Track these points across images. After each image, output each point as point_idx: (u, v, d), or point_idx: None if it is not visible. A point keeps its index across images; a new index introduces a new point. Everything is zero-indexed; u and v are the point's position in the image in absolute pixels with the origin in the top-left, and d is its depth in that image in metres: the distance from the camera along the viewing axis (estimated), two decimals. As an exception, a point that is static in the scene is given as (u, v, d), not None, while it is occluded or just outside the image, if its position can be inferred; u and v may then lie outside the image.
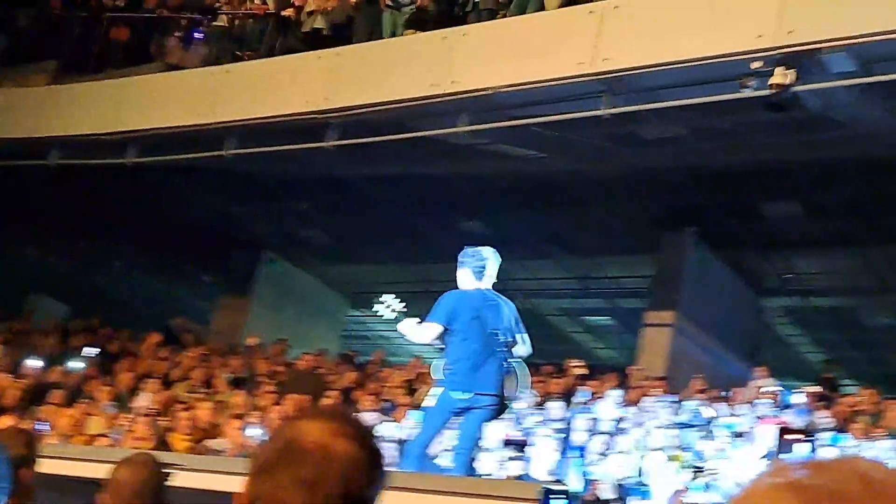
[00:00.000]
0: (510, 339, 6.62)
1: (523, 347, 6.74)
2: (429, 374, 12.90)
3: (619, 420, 10.79)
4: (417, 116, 11.64)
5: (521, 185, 14.20)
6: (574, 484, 9.02)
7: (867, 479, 0.71)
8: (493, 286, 6.77)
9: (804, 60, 9.21)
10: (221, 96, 12.98)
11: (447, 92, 10.99)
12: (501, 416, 6.90)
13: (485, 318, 6.54)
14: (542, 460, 9.23)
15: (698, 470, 8.73)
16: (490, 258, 6.76)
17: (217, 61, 13.98)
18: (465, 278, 6.73)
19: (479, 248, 6.84)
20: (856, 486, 0.71)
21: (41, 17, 17.06)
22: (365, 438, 1.52)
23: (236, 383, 12.99)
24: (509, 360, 6.58)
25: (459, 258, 6.81)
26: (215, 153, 12.84)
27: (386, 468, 1.55)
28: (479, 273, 6.70)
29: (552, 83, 10.39)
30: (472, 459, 6.79)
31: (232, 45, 14.26)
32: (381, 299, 6.91)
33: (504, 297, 6.80)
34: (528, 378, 6.80)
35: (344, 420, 1.54)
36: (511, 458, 9.60)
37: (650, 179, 13.64)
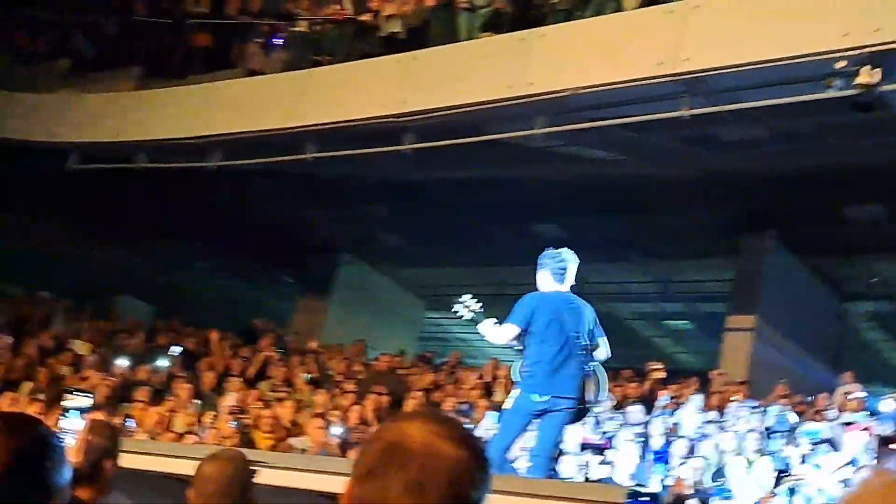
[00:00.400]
0: (589, 343, 6.59)
1: (603, 351, 6.70)
2: (507, 375, 12.95)
3: (701, 425, 10.67)
4: (493, 119, 11.63)
5: (597, 188, 14.12)
6: (656, 488, 8.95)
7: None
8: (570, 289, 6.74)
9: (891, 59, 9.01)
10: (302, 101, 13.15)
11: (523, 94, 10.97)
12: (581, 420, 6.85)
13: (564, 320, 6.51)
14: (622, 464, 9.17)
15: (782, 475, 8.58)
16: (570, 260, 6.73)
17: (297, 66, 14.17)
18: (545, 280, 6.70)
19: (559, 250, 6.81)
20: None
21: (126, 23, 17.48)
22: (470, 440, 1.51)
23: (316, 383, 13.15)
24: (589, 363, 6.55)
25: (539, 260, 6.79)
26: (296, 157, 13.00)
27: (490, 470, 1.52)
28: (559, 275, 6.67)
29: (630, 84, 10.31)
30: (552, 463, 6.78)
31: (311, 50, 14.44)
32: (458, 300, 6.90)
33: (583, 300, 6.77)
34: (606, 382, 6.76)
35: (446, 422, 1.52)
36: (590, 462, 9.56)
37: (729, 182, 13.45)
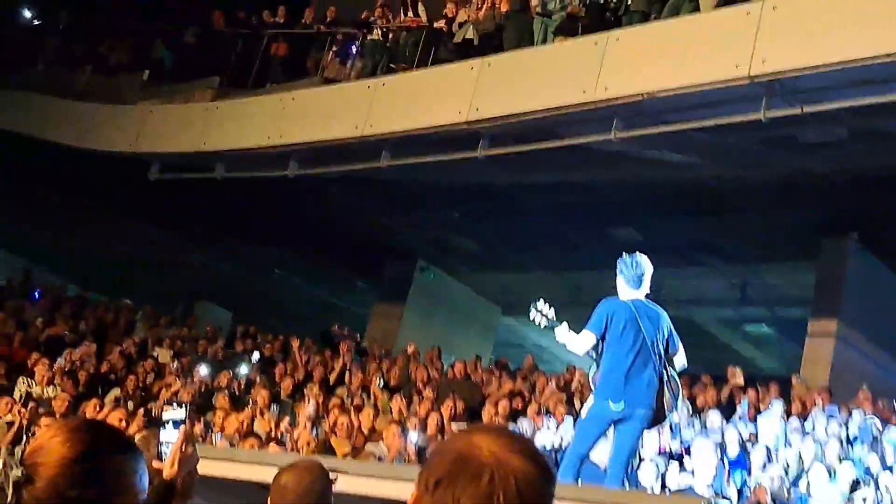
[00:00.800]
0: (666, 350, 6.52)
1: (680, 359, 6.63)
2: (584, 382, 12.88)
3: (782, 432, 10.48)
4: (568, 123, 11.59)
5: (673, 191, 13.96)
6: (733, 495, 8.83)
7: None
8: (646, 295, 6.68)
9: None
10: (377, 108, 13.26)
11: (599, 98, 10.92)
12: (656, 427, 6.78)
13: (639, 327, 6.45)
14: (701, 472, 9.05)
15: (858, 485, 8.38)
16: (646, 266, 6.67)
17: (372, 74, 14.30)
18: (622, 287, 6.66)
19: (635, 255, 6.75)
20: None
21: (205, 34, 17.84)
22: (537, 455, 1.53)
23: (393, 389, 13.24)
24: (666, 370, 6.49)
25: (617, 266, 6.74)
26: (372, 164, 13.12)
27: (555, 484, 1.55)
28: (637, 282, 6.61)
29: (707, 87, 10.20)
30: (629, 471, 6.72)
31: (386, 58, 14.56)
32: (533, 305, 6.85)
33: (660, 307, 6.70)
34: (681, 390, 6.68)
35: (514, 436, 1.55)
36: (668, 470, 9.46)
37: (809, 184, 13.19)
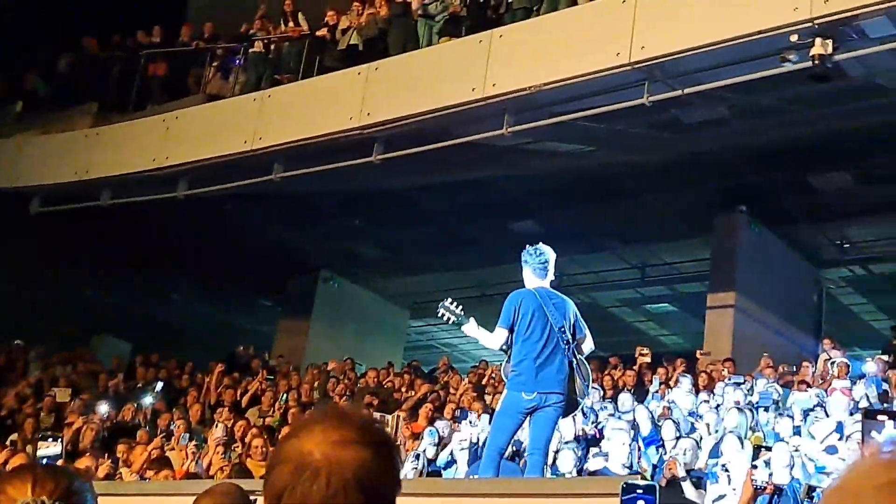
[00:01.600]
0: (573, 336, 6.59)
1: (588, 344, 6.72)
2: (496, 376, 12.95)
3: (692, 405, 10.72)
4: (460, 122, 11.67)
5: (570, 181, 14.19)
6: (648, 472, 8.96)
7: None
8: (550, 284, 6.75)
9: (843, 28, 9.12)
10: (265, 121, 13.13)
11: (488, 95, 11.03)
12: (571, 414, 6.85)
13: (546, 315, 6.51)
14: (615, 453, 9.19)
15: (768, 448, 8.61)
16: (549, 255, 6.75)
17: (257, 87, 14.14)
18: (528, 277, 6.73)
19: (539, 245, 6.82)
20: None
21: (79, 60, 17.35)
22: (368, 436, 1.52)
23: (306, 405, 13.10)
24: (575, 356, 6.56)
25: (522, 257, 6.81)
26: (264, 178, 12.97)
27: (397, 457, 1.55)
28: (542, 270, 6.69)
29: (592, 76, 10.40)
30: (547, 459, 6.77)
31: (270, 70, 14.40)
32: (441, 304, 6.88)
33: (564, 295, 6.79)
34: (590, 375, 6.76)
35: (342, 424, 1.53)
36: (585, 455, 9.58)
37: (698, 163, 13.57)
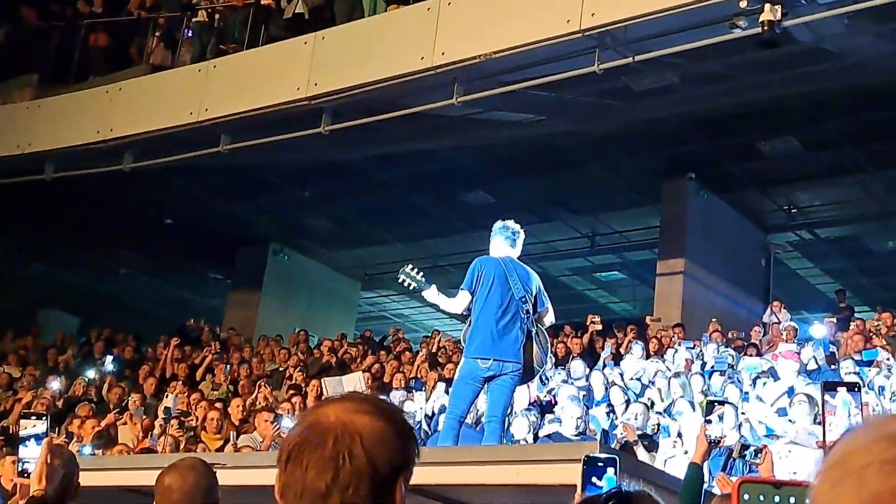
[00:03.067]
0: (535, 307, 6.59)
1: (549, 317, 6.73)
2: (449, 346, 12.96)
3: (643, 371, 10.83)
4: (410, 92, 11.56)
5: (520, 151, 14.18)
6: (598, 435, 9.05)
7: None
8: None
9: (791, -6, 9.18)
10: (211, 92, 12.91)
11: (437, 63, 10.92)
12: (527, 382, 6.88)
13: (507, 283, 6.51)
14: (568, 418, 9.26)
15: (721, 403, 8.70)
16: (521, 234, 6.80)
17: (202, 57, 13.89)
18: (497, 246, 6.74)
19: (507, 222, 6.87)
20: None
21: (17, 31, 16.91)
22: (386, 412, 1.53)
23: (259, 376, 13.02)
24: (535, 326, 6.56)
25: (492, 230, 6.84)
26: (211, 150, 12.78)
27: (413, 439, 1.56)
28: (511, 241, 6.72)
29: (541, 44, 10.33)
30: (505, 426, 6.80)
31: (215, 40, 14.15)
32: (401, 270, 6.87)
33: (531, 270, 6.76)
34: (549, 347, 6.79)
35: (365, 399, 1.55)
36: (540, 421, 9.64)
37: (647, 131, 13.64)
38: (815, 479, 0.72)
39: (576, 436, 8.15)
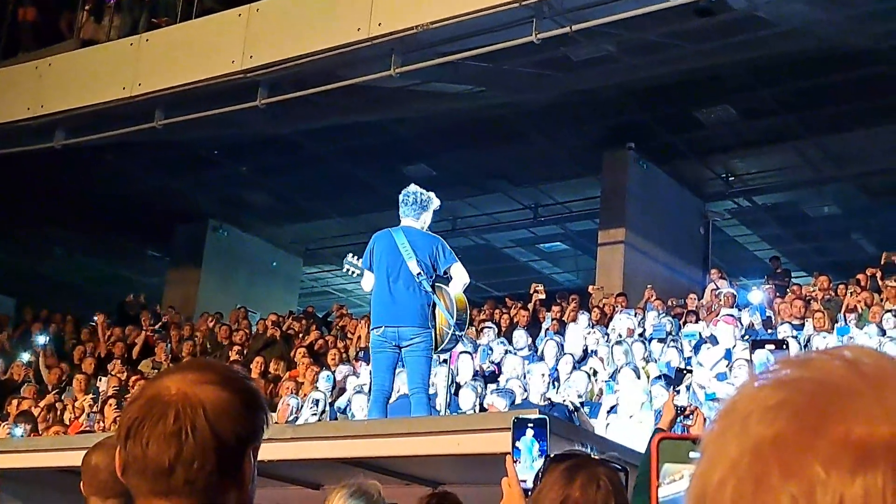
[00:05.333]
0: (431, 272, 6.57)
1: (459, 278, 6.69)
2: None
3: (586, 340, 10.90)
4: (347, 64, 11.46)
5: (460, 123, 14.13)
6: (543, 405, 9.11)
7: (857, 366, 0.68)
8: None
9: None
10: (144, 66, 12.67)
11: (374, 35, 10.82)
12: (445, 349, 6.81)
13: (399, 251, 6.54)
14: (515, 389, 9.31)
15: (689, 371, 8.79)
16: (420, 195, 6.78)
17: (133, 31, 13.62)
18: (403, 217, 6.79)
19: (411, 188, 6.85)
20: (845, 373, 0.68)
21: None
22: (231, 381, 1.49)
23: (201, 354, 12.90)
24: (434, 290, 6.56)
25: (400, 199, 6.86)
26: (146, 126, 12.57)
27: (262, 409, 1.52)
28: (406, 208, 6.74)
29: (480, 14, 10.27)
30: (430, 396, 6.81)
31: (147, 13, 13.87)
32: (345, 260, 6.90)
33: (428, 233, 6.77)
34: (455, 307, 6.62)
35: (209, 369, 1.51)
36: (485, 392, 9.67)
37: (587, 101, 13.68)
38: (707, 429, 0.71)
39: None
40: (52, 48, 14.47)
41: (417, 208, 6.73)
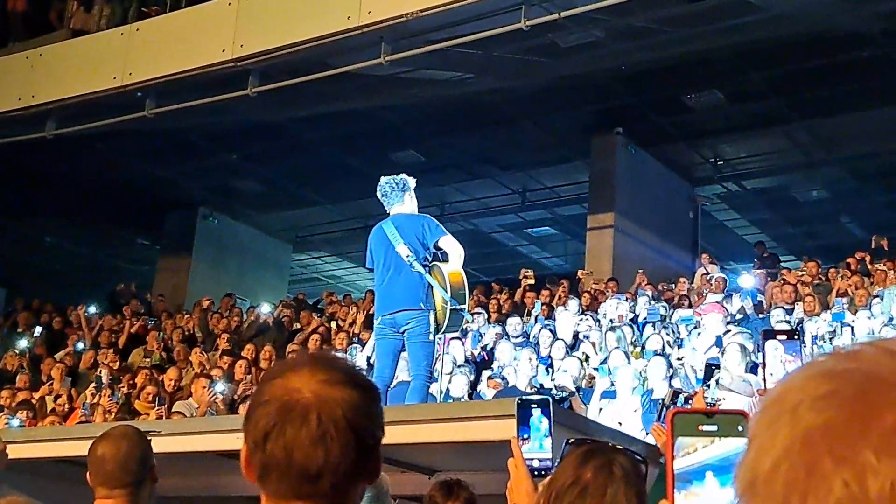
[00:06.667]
0: (420, 252, 6.57)
1: (452, 250, 6.66)
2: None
3: (578, 325, 10.96)
4: (337, 52, 11.49)
5: (448, 109, 14.16)
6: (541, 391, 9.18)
7: None
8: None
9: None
10: (134, 56, 12.67)
11: (364, 23, 10.85)
12: (442, 329, 6.79)
13: (388, 239, 6.58)
14: (509, 374, 9.38)
15: (717, 367, 8.83)
16: (397, 182, 6.79)
17: (123, 21, 13.61)
18: (387, 207, 6.82)
19: (391, 177, 6.87)
20: (892, 364, 0.71)
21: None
22: (356, 378, 1.52)
23: (192, 342, 12.93)
24: (428, 269, 6.56)
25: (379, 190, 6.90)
26: (137, 114, 12.58)
27: (380, 402, 1.56)
28: (395, 197, 6.76)
29: (468, 1, 10.30)
30: (430, 383, 6.83)
31: (137, 2, 13.85)
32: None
33: (413, 214, 6.76)
34: (447, 282, 6.56)
35: (329, 366, 1.52)
36: (477, 378, 9.74)
37: (575, 87, 13.71)
38: (754, 417, 0.74)
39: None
40: (42, 38, 14.45)
41: (398, 193, 6.75)
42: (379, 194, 6.82)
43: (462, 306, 6.60)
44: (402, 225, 6.63)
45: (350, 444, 1.44)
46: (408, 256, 6.49)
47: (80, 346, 13.68)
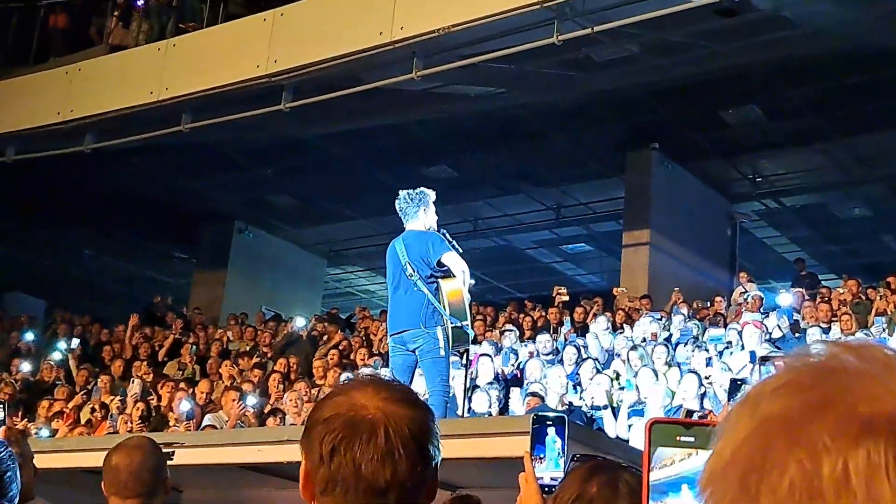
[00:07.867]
0: (425, 271, 6.50)
1: (457, 268, 6.55)
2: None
3: (610, 342, 10.89)
4: (369, 67, 11.54)
5: (481, 124, 14.16)
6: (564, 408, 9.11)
7: (862, 353, 0.73)
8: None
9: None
10: (171, 71, 12.82)
11: (396, 39, 10.88)
12: (458, 344, 6.71)
13: (398, 256, 6.55)
14: (554, 390, 9.32)
15: (739, 383, 8.76)
16: (413, 197, 6.71)
17: (161, 36, 13.78)
18: (405, 225, 6.79)
19: (407, 191, 6.81)
20: (850, 357, 0.73)
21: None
22: (416, 398, 1.56)
23: (224, 356, 12.99)
24: (432, 288, 6.50)
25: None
26: (173, 129, 12.71)
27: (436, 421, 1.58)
28: (404, 214, 6.73)
29: (501, 16, 10.29)
30: (447, 398, 6.76)
31: (174, 19, 14.03)
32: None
33: (423, 232, 6.64)
34: (447, 300, 6.50)
35: (390, 386, 1.55)
36: (507, 394, 9.69)
37: (610, 102, 13.64)
38: (721, 417, 0.76)
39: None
40: (81, 54, 14.66)
41: (414, 207, 6.68)
42: (397, 208, 6.80)
43: (464, 322, 6.53)
44: (410, 243, 6.60)
45: (416, 460, 1.47)
46: (410, 276, 6.48)
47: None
